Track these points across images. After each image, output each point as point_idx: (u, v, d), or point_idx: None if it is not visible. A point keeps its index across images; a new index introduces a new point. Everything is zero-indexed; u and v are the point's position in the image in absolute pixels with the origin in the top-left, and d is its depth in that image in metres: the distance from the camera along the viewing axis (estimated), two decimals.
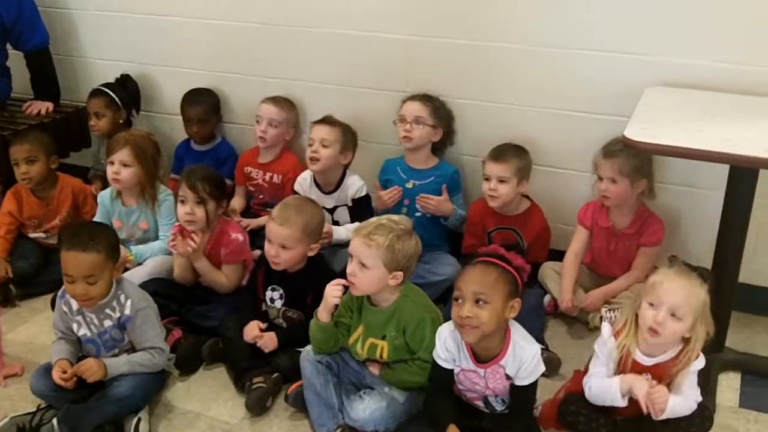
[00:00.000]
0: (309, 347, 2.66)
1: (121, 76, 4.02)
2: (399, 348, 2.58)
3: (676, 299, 2.27)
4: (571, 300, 3.09)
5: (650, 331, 2.30)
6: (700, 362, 2.35)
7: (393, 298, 2.57)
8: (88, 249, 2.54)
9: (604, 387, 2.38)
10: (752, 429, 2.65)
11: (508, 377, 2.40)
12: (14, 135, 3.66)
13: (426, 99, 3.37)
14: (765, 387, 2.84)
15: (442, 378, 2.49)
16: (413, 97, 3.39)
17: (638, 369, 2.38)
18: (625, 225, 3.11)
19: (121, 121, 3.91)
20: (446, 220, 3.41)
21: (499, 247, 2.41)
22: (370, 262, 2.48)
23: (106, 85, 3.96)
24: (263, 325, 2.87)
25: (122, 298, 2.66)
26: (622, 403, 2.35)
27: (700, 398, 2.39)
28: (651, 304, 2.31)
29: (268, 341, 2.81)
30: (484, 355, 2.42)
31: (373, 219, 2.59)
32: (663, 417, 2.32)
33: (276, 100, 3.67)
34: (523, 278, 2.37)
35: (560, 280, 3.17)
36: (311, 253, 2.87)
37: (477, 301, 2.29)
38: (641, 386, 2.31)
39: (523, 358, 2.37)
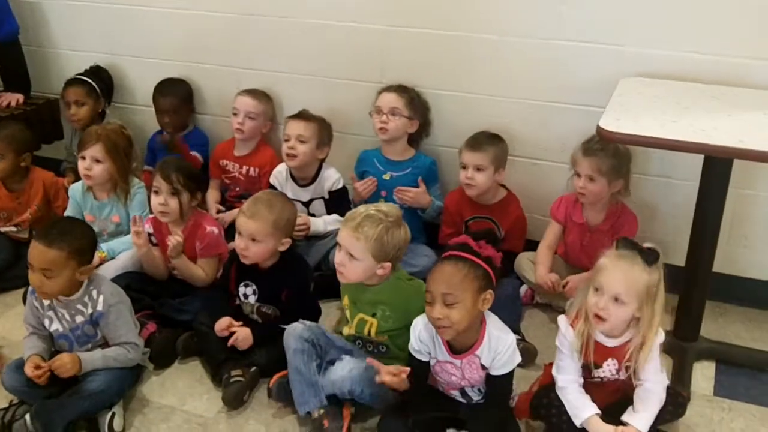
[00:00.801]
0: (294, 324, 2.62)
1: (93, 66, 3.97)
2: (390, 323, 2.61)
3: (617, 285, 2.28)
4: (551, 278, 3.09)
5: (595, 318, 2.32)
6: (658, 340, 2.36)
7: (381, 280, 2.59)
8: (52, 245, 2.51)
9: (577, 405, 2.39)
10: (726, 417, 2.67)
11: (483, 367, 2.40)
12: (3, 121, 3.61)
13: (402, 90, 3.36)
14: (739, 376, 2.87)
15: (418, 370, 2.49)
16: (389, 88, 3.38)
17: (602, 352, 2.40)
18: (599, 221, 3.11)
19: (99, 111, 3.87)
20: (424, 212, 3.40)
21: (468, 238, 2.37)
22: (358, 254, 2.50)
23: (82, 74, 3.92)
24: (236, 323, 2.83)
25: (94, 293, 2.63)
26: (577, 423, 2.37)
27: (666, 381, 2.41)
28: (596, 290, 2.33)
29: (243, 340, 2.79)
30: (459, 346, 2.41)
31: (362, 208, 2.59)
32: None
33: (253, 93, 3.65)
34: (495, 267, 2.35)
35: (535, 269, 3.17)
36: (282, 248, 2.85)
37: (447, 303, 2.28)
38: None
39: (499, 348, 2.37)
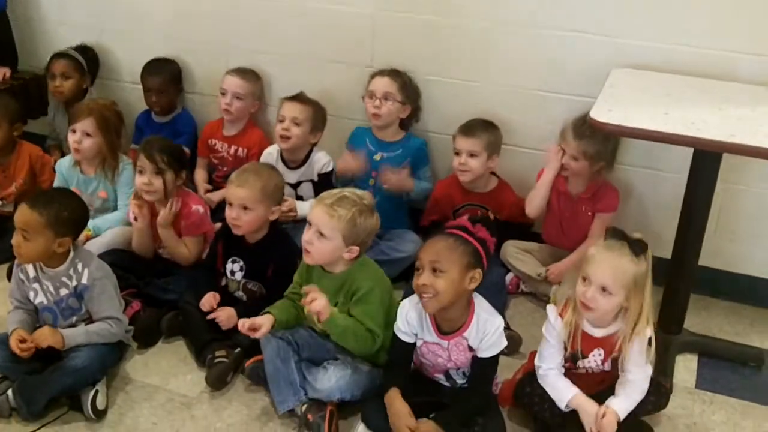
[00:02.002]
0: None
1: (80, 45, 3.93)
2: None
3: (604, 276, 2.30)
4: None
5: (582, 306, 2.35)
6: (643, 336, 2.38)
7: (345, 267, 2.58)
8: (34, 208, 2.53)
9: (558, 387, 2.43)
10: (707, 410, 2.69)
11: (471, 349, 2.42)
12: None
13: (395, 74, 3.34)
14: (721, 369, 2.89)
15: (401, 352, 2.50)
16: (382, 72, 3.36)
17: (589, 342, 2.42)
18: (580, 191, 3.13)
19: (84, 87, 3.84)
20: (408, 196, 3.40)
21: (465, 220, 2.41)
22: (328, 233, 2.49)
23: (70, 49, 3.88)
24: (217, 297, 2.85)
25: (79, 266, 2.62)
26: (562, 407, 2.40)
27: (649, 372, 2.43)
28: (584, 279, 2.35)
29: (227, 319, 2.78)
30: (447, 327, 2.43)
31: (336, 190, 2.59)
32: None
33: (241, 72, 3.62)
34: (487, 250, 2.38)
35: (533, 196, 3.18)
36: (272, 217, 2.86)
37: (434, 270, 2.30)
38: (589, 414, 2.36)
39: (487, 329, 2.39)
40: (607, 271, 2.30)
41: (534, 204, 3.15)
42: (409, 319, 2.46)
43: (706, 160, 2.65)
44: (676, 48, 2.97)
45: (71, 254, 2.62)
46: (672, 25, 2.96)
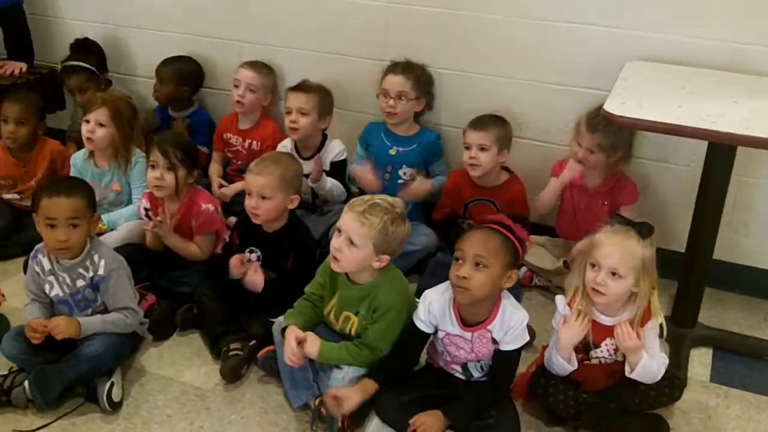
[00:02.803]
0: (281, 317, 2.63)
1: (79, 40, 3.93)
2: (365, 328, 2.55)
3: (613, 260, 2.31)
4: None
5: (593, 291, 2.35)
6: (655, 320, 2.40)
7: (371, 278, 2.53)
8: (72, 194, 2.57)
9: (564, 360, 2.42)
10: (722, 404, 2.69)
11: (494, 341, 2.42)
12: (9, 89, 3.63)
13: (408, 70, 3.33)
14: (735, 363, 2.87)
15: (413, 340, 2.51)
16: (395, 69, 3.35)
17: (601, 331, 2.43)
18: (597, 184, 3.13)
19: (103, 87, 3.86)
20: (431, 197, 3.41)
21: (506, 217, 2.43)
22: (359, 241, 2.43)
23: (74, 57, 3.86)
24: (245, 257, 2.91)
25: (96, 257, 2.64)
26: (565, 352, 2.41)
27: (666, 359, 2.44)
28: (592, 265, 2.36)
29: (252, 280, 2.85)
30: (471, 320, 2.43)
31: (367, 196, 2.53)
32: (635, 375, 2.38)
33: (254, 65, 3.63)
34: (524, 251, 2.40)
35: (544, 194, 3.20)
36: (291, 206, 2.87)
37: (477, 264, 2.31)
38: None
39: (512, 323, 2.39)
40: (616, 254, 2.31)
41: (544, 202, 3.17)
42: (431, 309, 2.46)
43: (721, 153, 2.64)
44: (690, 40, 2.96)
45: (87, 245, 2.64)
46: (686, 18, 2.95)
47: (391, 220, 2.44)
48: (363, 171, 3.37)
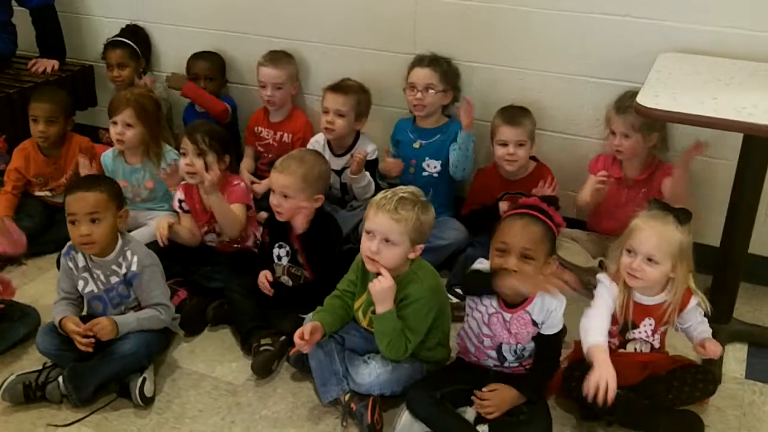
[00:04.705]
0: (311, 314, 2.64)
1: (129, 26, 3.99)
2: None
3: (649, 246, 2.31)
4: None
5: (629, 276, 2.35)
6: (696, 297, 2.42)
7: (402, 270, 2.51)
8: (92, 188, 2.59)
9: (591, 327, 2.36)
10: (757, 400, 2.65)
11: (534, 323, 2.41)
12: (36, 88, 3.67)
13: (435, 63, 3.32)
14: None
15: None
16: (421, 62, 3.33)
17: (640, 311, 2.43)
18: (636, 173, 3.09)
19: (141, 70, 3.90)
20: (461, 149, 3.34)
21: (540, 201, 2.41)
22: (396, 238, 2.41)
23: (120, 35, 3.93)
24: (269, 275, 2.91)
25: (129, 254, 2.66)
26: (584, 348, 2.36)
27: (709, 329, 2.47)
28: (629, 251, 2.35)
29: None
30: (511, 300, 2.42)
31: (388, 192, 2.49)
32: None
33: (273, 60, 3.60)
34: (558, 234, 2.41)
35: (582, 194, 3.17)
36: (315, 205, 2.86)
37: (523, 256, 2.31)
38: (596, 374, 2.24)
39: (551, 306, 2.39)
40: (653, 239, 2.31)
41: (587, 201, 3.13)
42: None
43: (757, 146, 2.60)
44: (724, 30, 2.91)
45: (120, 242, 2.67)
46: (719, 7, 2.90)
47: (421, 210, 2.44)
48: (393, 161, 3.40)
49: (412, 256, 2.47)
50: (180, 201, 3.16)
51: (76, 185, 2.65)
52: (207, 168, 3.01)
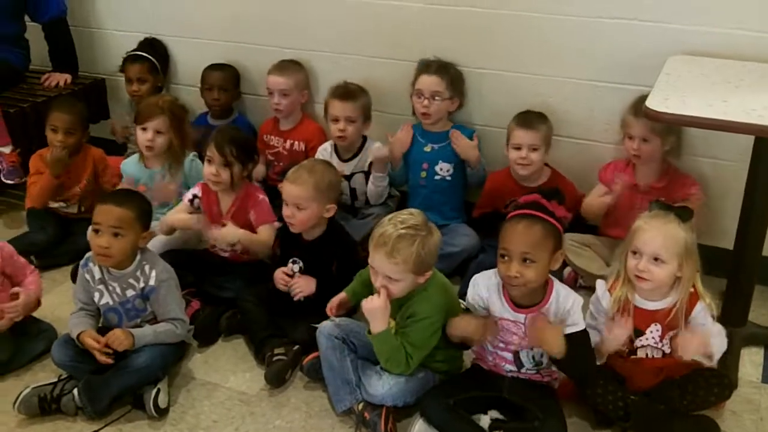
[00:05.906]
0: (325, 322, 2.64)
1: (147, 38, 4.00)
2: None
3: (655, 245, 2.30)
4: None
5: (637, 278, 2.34)
6: (703, 300, 2.39)
7: (413, 289, 2.50)
8: (122, 204, 2.61)
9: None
10: None
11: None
12: (55, 99, 3.70)
13: (442, 71, 3.32)
14: None
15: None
16: (428, 69, 3.33)
17: (645, 317, 2.41)
18: (653, 180, 3.06)
19: (159, 85, 3.92)
20: (471, 169, 3.38)
21: (539, 197, 2.38)
22: (398, 276, 2.40)
23: (138, 49, 3.95)
24: (289, 271, 2.92)
25: (147, 268, 2.67)
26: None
27: (722, 328, 2.42)
28: (634, 253, 2.34)
29: (304, 284, 2.86)
30: (524, 302, 2.41)
31: (388, 226, 2.42)
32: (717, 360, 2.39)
33: (281, 68, 3.62)
34: (564, 227, 2.38)
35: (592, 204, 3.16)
36: (327, 214, 2.87)
37: (524, 260, 2.29)
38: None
39: (567, 304, 2.37)
40: (658, 239, 2.30)
41: (595, 211, 3.13)
42: (481, 294, 2.46)
43: None
44: (732, 32, 2.90)
45: (138, 256, 2.67)
46: (728, 9, 2.89)
47: (421, 244, 2.38)
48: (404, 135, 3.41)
49: (421, 281, 2.45)
50: (195, 197, 3.14)
51: (109, 197, 2.69)
52: (232, 178, 3.02)
